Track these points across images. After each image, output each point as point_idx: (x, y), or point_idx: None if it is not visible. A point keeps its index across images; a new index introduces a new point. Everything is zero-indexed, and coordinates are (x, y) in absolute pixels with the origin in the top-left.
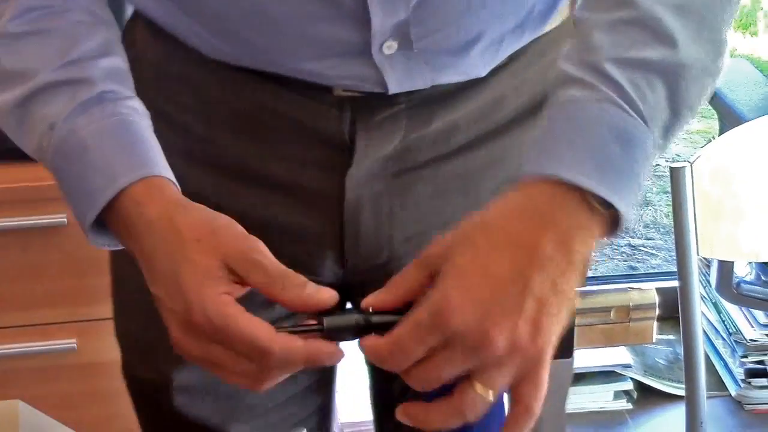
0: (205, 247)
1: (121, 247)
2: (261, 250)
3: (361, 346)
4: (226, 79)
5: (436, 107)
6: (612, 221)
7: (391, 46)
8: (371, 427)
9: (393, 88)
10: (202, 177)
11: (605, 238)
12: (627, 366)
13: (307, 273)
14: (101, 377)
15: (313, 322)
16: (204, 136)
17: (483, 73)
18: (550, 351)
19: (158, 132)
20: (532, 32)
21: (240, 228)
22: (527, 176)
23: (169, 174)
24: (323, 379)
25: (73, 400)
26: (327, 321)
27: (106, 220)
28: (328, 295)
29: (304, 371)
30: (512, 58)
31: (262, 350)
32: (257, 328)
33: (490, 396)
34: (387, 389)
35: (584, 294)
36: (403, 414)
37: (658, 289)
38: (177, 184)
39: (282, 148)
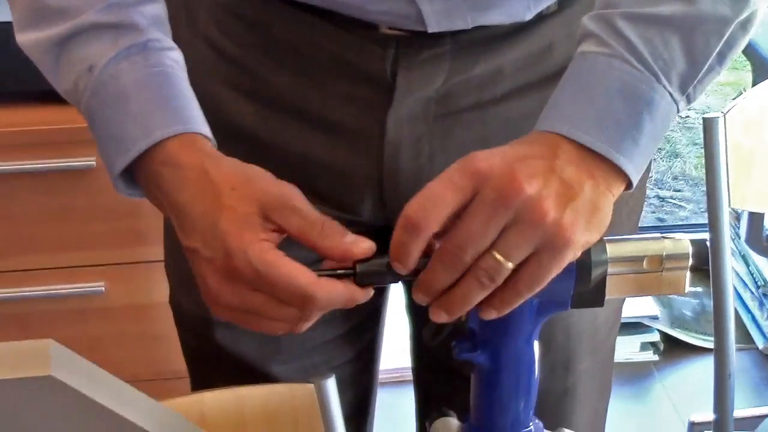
0: (241, 194)
1: (143, 198)
2: (297, 196)
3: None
4: (276, 12)
5: (481, 51)
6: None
7: None
8: (408, 374)
9: (432, 27)
10: (247, 108)
11: (621, 189)
12: (654, 317)
13: (347, 212)
14: (129, 320)
15: (346, 267)
16: (251, 68)
17: (527, 17)
18: (573, 242)
19: (206, 59)
20: None
21: (273, 176)
22: (535, 130)
23: (205, 130)
24: (368, 323)
25: (102, 343)
26: (360, 266)
27: (134, 170)
28: (367, 246)
29: (348, 314)
30: (564, 5)
31: (305, 295)
32: (300, 273)
33: (508, 265)
34: None
35: (616, 242)
36: (420, 288)
37: None
38: (213, 139)
39: (326, 84)
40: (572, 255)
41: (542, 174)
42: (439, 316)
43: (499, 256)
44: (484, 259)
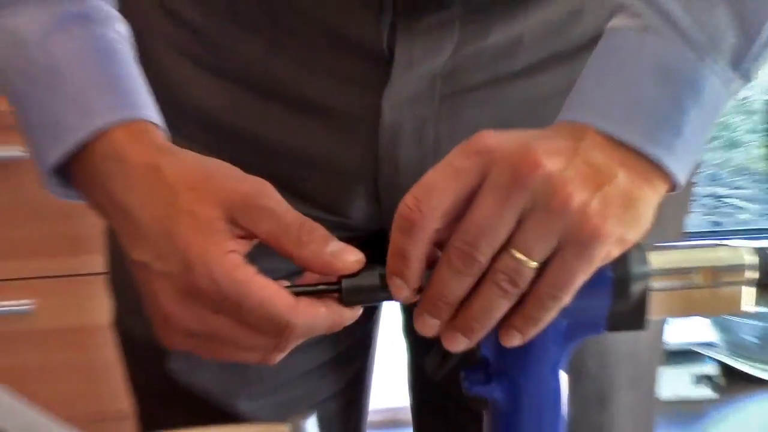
0: (202, 195)
1: (81, 201)
2: (269, 193)
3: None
4: None
5: (496, 16)
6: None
7: None
8: (405, 412)
9: None
10: (212, 86)
11: (664, 188)
12: (710, 345)
13: (334, 213)
14: (63, 346)
15: (328, 283)
16: (217, 39)
17: None
18: (602, 235)
19: (162, 31)
20: None
21: (239, 171)
22: (558, 121)
23: (155, 118)
24: (357, 349)
25: (29, 374)
26: (346, 282)
27: (71, 165)
28: (353, 259)
29: (335, 338)
30: None
31: (281, 323)
32: (276, 296)
33: (531, 264)
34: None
35: (660, 251)
36: (426, 306)
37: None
38: (166, 129)
39: (308, 58)
40: (603, 252)
41: (564, 153)
42: (456, 342)
43: (518, 254)
44: (501, 259)
